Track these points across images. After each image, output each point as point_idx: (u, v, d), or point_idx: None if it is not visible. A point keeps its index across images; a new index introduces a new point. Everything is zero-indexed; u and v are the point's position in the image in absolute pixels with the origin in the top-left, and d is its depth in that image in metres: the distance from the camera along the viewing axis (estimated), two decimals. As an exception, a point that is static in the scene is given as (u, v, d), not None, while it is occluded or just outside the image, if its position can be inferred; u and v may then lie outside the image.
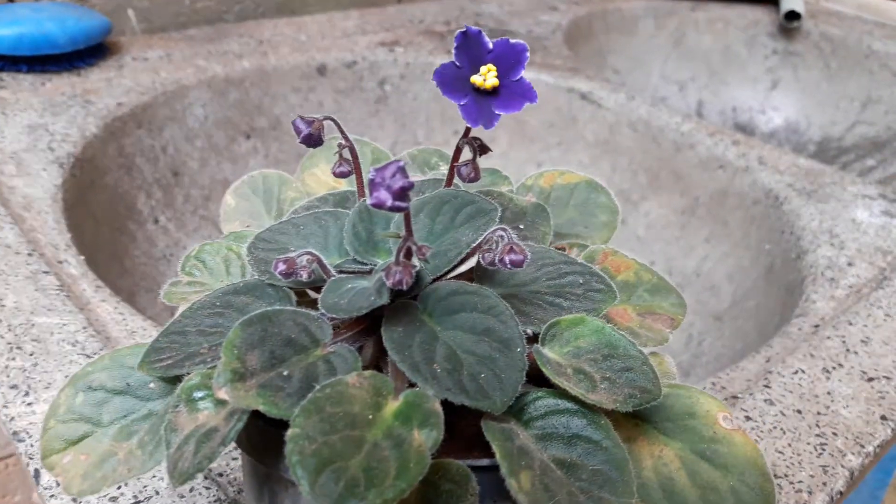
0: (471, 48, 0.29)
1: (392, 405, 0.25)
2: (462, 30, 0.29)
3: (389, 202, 0.23)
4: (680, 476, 0.28)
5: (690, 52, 1.20)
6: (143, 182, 0.73)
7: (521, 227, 0.34)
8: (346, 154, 0.34)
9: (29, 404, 0.40)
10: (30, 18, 0.74)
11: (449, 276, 0.30)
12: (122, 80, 0.77)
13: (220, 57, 0.84)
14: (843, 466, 0.41)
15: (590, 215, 0.38)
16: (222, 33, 0.91)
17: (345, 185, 0.39)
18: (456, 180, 0.33)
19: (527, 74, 0.30)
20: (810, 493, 0.39)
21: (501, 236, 0.28)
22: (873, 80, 1.13)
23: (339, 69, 0.88)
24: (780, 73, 1.19)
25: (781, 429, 0.43)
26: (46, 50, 0.74)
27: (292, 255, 0.29)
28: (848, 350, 0.50)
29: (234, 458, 0.39)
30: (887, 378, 0.47)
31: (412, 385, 0.25)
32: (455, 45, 0.29)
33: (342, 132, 0.33)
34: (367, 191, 0.24)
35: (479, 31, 0.29)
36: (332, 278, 0.29)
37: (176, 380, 0.28)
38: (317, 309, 0.28)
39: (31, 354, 0.43)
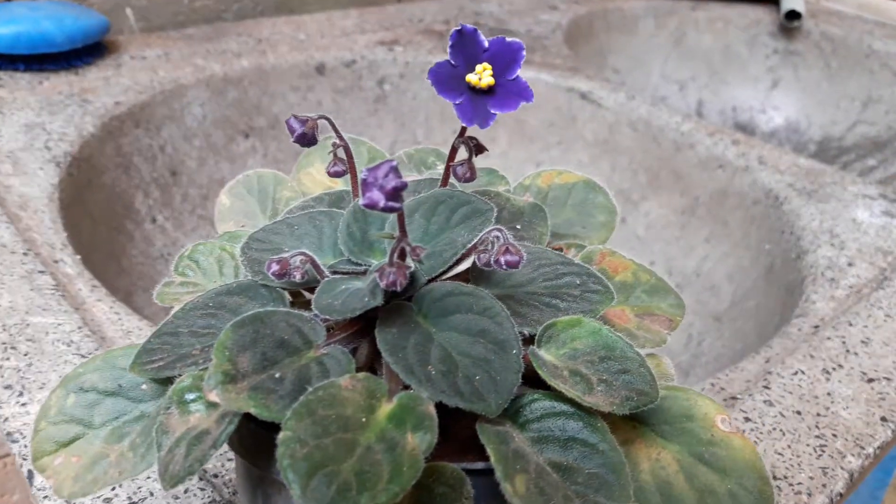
0: (466, 47, 0.29)
1: (386, 408, 0.25)
2: (457, 28, 0.29)
3: (382, 202, 0.23)
4: (677, 479, 0.27)
5: (691, 52, 1.19)
6: (141, 181, 0.73)
7: (518, 227, 0.33)
8: (341, 153, 0.33)
9: (23, 405, 0.40)
10: (27, 17, 0.74)
11: (444, 277, 0.30)
12: (120, 79, 0.76)
13: (219, 56, 0.84)
14: (842, 468, 0.40)
15: (588, 215, 0.37)
16: (221, 32, 0.90)
17: (341, 185, 0.39)
18: (452, 180, 0.33)
19: (526, 73, 0.30)
20: (810, 494, 0.39)
21: (497, 237, 0.28)
22: (874, 79, 1.12)
23: (338, 68, 0.88)
24: (780, 72, 1.19)
25: (781, 430, 0.42)
26: (44, 49, 0.74)
27: (286, 255, 0.29)
28: (848, 351, 0.49)
29: (229, 460, 0.38)
30: (887, 379, 0.47)
31: (406, 387, 0.25)
32: (450, 43, 0.29)
33: (336, 131, 0.32)
34: (359, 191, 0.24)
35: (475, 30, 0.29)
36: (326, 279, 0.29)
37: (168, 381, 0.28)
38: (311, 310, 0.28)
39: (25, 354, 0.43)
